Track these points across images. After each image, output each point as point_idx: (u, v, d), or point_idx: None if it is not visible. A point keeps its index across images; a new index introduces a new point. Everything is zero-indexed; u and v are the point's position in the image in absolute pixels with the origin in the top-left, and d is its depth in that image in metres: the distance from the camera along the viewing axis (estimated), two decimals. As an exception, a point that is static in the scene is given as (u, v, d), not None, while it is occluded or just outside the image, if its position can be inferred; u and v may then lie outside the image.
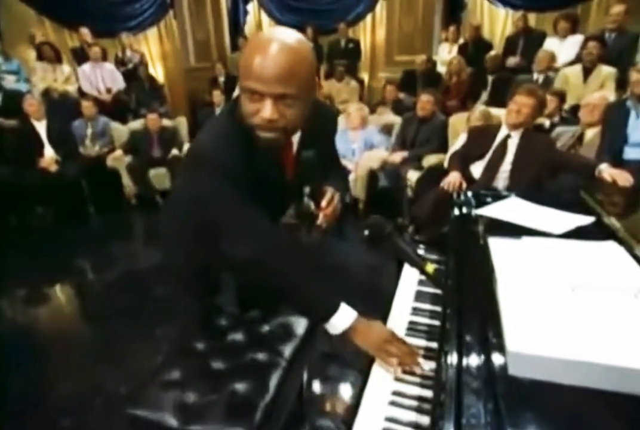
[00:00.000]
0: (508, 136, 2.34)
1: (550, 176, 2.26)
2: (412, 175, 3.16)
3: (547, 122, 2.99)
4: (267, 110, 0.81)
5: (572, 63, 3.85)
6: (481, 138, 2.45)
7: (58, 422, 1.54)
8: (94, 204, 3.92)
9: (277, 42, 0.79)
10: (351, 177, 3.59)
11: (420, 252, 1.29)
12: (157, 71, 6.62)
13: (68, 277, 2.79)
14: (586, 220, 1.15)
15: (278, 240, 1.00)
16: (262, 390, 1.05)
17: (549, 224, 1.12)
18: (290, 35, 0.81)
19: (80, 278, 2.82)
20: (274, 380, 1.09)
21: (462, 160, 2.51)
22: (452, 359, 0.67)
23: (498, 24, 5.39)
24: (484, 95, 4.11)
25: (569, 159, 2.39)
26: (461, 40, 4.90)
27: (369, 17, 5.84)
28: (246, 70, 0.80)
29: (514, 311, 0.71)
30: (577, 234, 1.07)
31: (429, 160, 3.25)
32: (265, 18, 6.48)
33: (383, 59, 5.76)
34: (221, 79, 5.59)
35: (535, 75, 3.83)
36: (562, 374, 0.59)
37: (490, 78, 4.14)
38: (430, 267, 0.82)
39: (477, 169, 2.45)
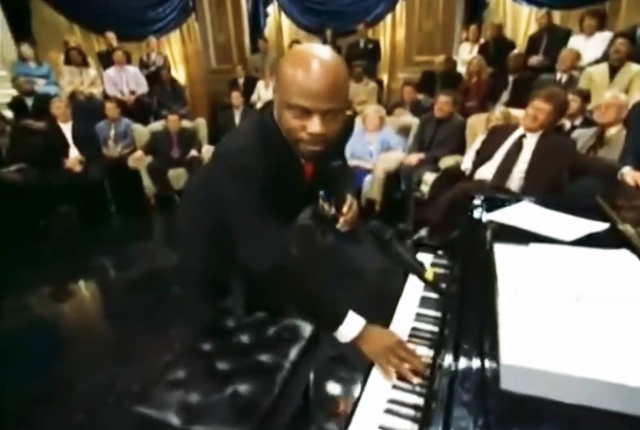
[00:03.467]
0: (523, 136, 2.29)
1: (569, 179, 2.19)
2: (428, 177, 3.12)
3: (567, 123, 2.90)
4: (315, 125, 0.83)
5: (598, 62, 3.73)
6: (495, 137, 2.40)
7: (72, 417, 1.59)
8: (115, 203, 4.03)
9: (319, 59, 0.81)
10: (368, 178, 3.58)
11: (429, 257, 1.27)
12: (179, 73, 6.76)
13: (88, 276, 2.87)
14: (600, 226, 1.11)
15: (291, 254, 1.03)
16: (265, 392, 1.06)
17: (559, 230, 1.08)
18: (327, 52, 0.84)
19: (99, 276, 2.90)
20: (278, 383, 1.09)
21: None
22: (446, 368, 0.65)
23: (521, 23, 5.26)
24: (505, 96, 4.02)
25: (589, 162, 2.31)
26: (482, 40, 4.82)
27: (388, 18, 5.79)
28: (293, 88, 0.81)
29: (513, 322, 0.69)
30: (589, 241, 1.03)
31: (446, 162, 3.20)
32: (285, 20, 6.51)
33: (402, 60, 5.72)
34: (241, 81, 5.65)
35: (558, 75, 3.72)
36: (558, 391, 0.57)
37: (511, 78, 4.04)
38: (429, 274, 0.80)
39: (487, 170, 2.39)
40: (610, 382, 0.56)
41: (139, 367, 1.68)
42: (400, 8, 5.66)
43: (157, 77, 5.26)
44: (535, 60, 4.20)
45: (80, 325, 2.32)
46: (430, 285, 0.81)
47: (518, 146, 2.30)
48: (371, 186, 3.53)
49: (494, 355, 0.64)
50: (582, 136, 2.58)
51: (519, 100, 3.52)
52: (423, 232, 2.83)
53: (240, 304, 1.40)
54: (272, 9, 6.51)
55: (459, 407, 0.58)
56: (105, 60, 5.30)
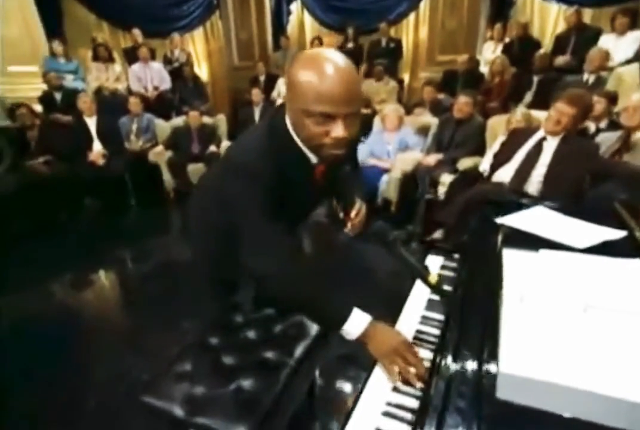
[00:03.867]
0: (543, 139, 2.23)
1: (591, 184, 2.12)
2: (446, 179, 3.08)
3: (592, 126, 2.81)
4: (339, 130, 0.83)
5: (629, 62, 3.60)
6: (515, 140, 2.35)
7: (83, 403, 1.66)
8: (135, 196, 4.13)
9: (332, 63, 0.81)
10: (384, 178, 3.56)
11: (440, 259, 1.26)
12: (202, 70, 6.83)
13: (106, 266, 2.96)
14: (616, 234, 1.08)
15: (293, 255, 1.03)
16: (269, 389, 1.07)
17: (573, 236, 1.06)
18: (339, 56, 0.84)
19: (117, 268, 2.99)
20: (282, 380, 1.11)
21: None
22: (444, 374, 0.65)
23: (548, 21, 5.10)
24: (528, 97, 3.92)
25: (612, 166, 2.24)
26: (507, 39, 4.71)
27: (412, 16, 5.71)
28: (311, 95, 0.81)
29: (515, 329, 0.68)
30: (603, 249, 1.00)
31: (464, 163, 3.15)
32: (307, 18, 6.52)
33: (425, 59, 5.65)
34: (261, 78, 5.69)
35: (585, 76, 3.61)
36: (557, 403, 0.56)
37: (535, 78, 3.94)
38: (432, 277, 0.80)
39: (506, 173, 2.34)
40: (612, 396, 0.55)
41: (150, 358, 1.72)
42: (423, 6, 5.59)
43: (179, 73, 5.33)
44: (561, 60, 4.08)
45: (96, 315, 2.40)
46: (432, 288, 0.80)
47: (538, 149, 2.24)
48: (388, 186, 3.51)
49: (493, 362, 0.63)
50: (607, 140, 2.50)
51: (542, 101, 3.43)
52: (438, 234, 2.80)
53: (249, 300, 1.41)
54: (295, 7, 6.52)
55: (453, 414, 0.57)
56: (131, 56, 5.41)
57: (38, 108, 4.57)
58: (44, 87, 4.71)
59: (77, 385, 1.78)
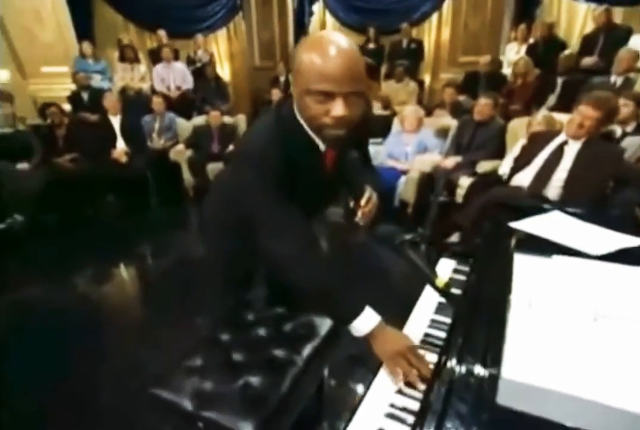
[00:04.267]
0: (565, 142, 2.18)
1: (614, 190, 2.06)
2: (464, 182, 3.05)
3: (618, 130, 2.72)
4: (339, 108, 0.84)
5: (661, 63, 3.47)
6: (535, 143, 2.30)
7: (97, 394, 1.73)
8: (156, 194, 4.22)
9: (333, 43, 0.83)
10: (402, 180, 3.54)
11: (452, 263, 1.25)
12: (224, 70, 6.93)
13: (127, 262, 3.05)
14: (634, 242, 1.05)
15: (311, 240, 1.04)
16: (276, 387, 1.08)
17: (589, 243, 1.03)
18: (341, 37, 0.86)
19: (137, 263, 3.08)
20: (289, 378, 1.12)
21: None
22: (445, 377, 0.65)
23: (576, 21, 4.97)
24: (552, 99, 3.83)
25: (637, 172, 2.17)
26: (531, 40, 4.61)
27: (434, 17, 5.65)
28: (312, 74, 0.83)
29: (521, 335, 0.67)
30: (620, 256, 0.98)
31: (483, 166, 3.10)
32: (329, 18, 6.52)
33: (446, 60, 5.59)
34: (282, 78, 5.73)
35: (612, 78, 3.50)
36: (558, 411, 0.55)
37: (560, 80, 3.84)
38: (440, 281, 0.80)
39: (525, 177, 2.30)
40: (616, 407, 0.54)
41: (164, 352, 1.76)
42: (446, 6, 5.52)
43: (202, 73, 5.43)
44: (588, 61, 3.97)
45: (115, 308, 2.48)
46: (439, 291, 0.80)
47: (559, 153, 2.19)
48: (405, 188, 3.49)
49: (496, 368, 0.63)
50: (633, 144, 2.42)
51: (567, 104, 3.35)
52: (454, 238, 2.77)
53: (261, 298, 1.43)
54: (317, 7, 6.54)
55: (453, 418, 0.57)
56: (155, 57, 5.54)
57: (67, 107, 4.73)
58: (73, 87, 4.88)
59: (92, 376, 1.84)
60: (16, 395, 1.76)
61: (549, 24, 4.46)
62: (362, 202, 1.09)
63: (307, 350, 1.21)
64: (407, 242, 0.83)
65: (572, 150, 2.17)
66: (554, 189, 2.20)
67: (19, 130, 3.82)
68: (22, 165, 3.69)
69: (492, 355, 0.66)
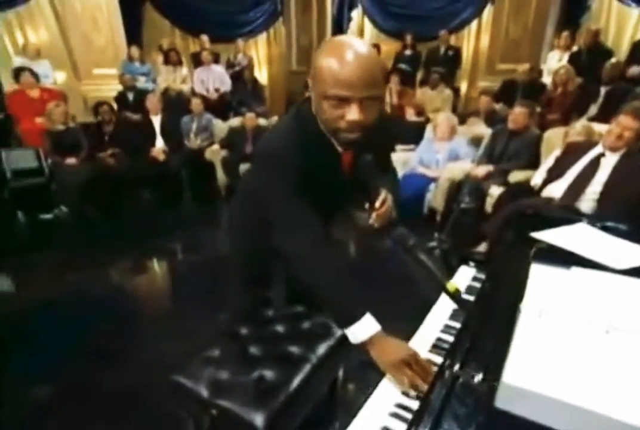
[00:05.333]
0: (602, 154, 2.10)
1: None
2: (495, 191, 2.99)
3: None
4: (354, 113, 0.86)
5: None
6: (570, 154, 2.23)
7: (125, 379, 1.84)
8: (190, 192, 4.38)
9: (351, 48, 0.84)
10: (431, 187, 3.52)
11: (472, 271, 1.25)
12: (262, 73, 7.10)
13: (158, 256, 3.20)
14: (661, 258, 1.02)
15: (322, 239, 1.05)
16: (288, 381, 1.12)
17: (612, 256, 1.01)
18: (360, 42, 0.88)
19: (167, 257, 3.22)
20: (301, 374, 1.15)
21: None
22: (447, 379, 0.66)
23: (627, 28, 4.76)
24: (593, 109, 3.69)
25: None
26: (575, 47, 4.45)
27: (474, 23, 5.58)
28: (329, 79, 0.85)
29: (527, 342, 0.68)
30: (644, 272, 0.95)
31: (515, 176, 3.03)
32: (367, 24, 6.56)
33: (484, 67, 5.49)
34: (317, 83, 5.80)
35: (661, 88, 3.35)
36: (555, 418, 0.56)
37: (603, 90, 3.70)
38: (451, 286, 0.81)
39: (558, 188, 2.23)
40: (617, 419, 0.54)
41: (186, 342, 1.84)
42: (487, 13, 5.43)
43: (240, 76, 5.59)
44: (636, 70, 3.80)
45: (144, 297, 2.61)
46: (450, 296, 0.81)
47: (594, 165, 2.12)
48: (434, 195, 3.47)
49: (498, 373, 0.64)
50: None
51: (609, 114, 3.21)
52: (482, 247, 2.73)
53: (281, 297, 1.47)
54: (356, 13, 6.59)
55: (450, 420, 0.59)
56: (197, 60, 5.76)
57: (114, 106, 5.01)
58: (120, 87, 5.16)
59: (120, 361, 1.95)
60: (48, 376, 1.89)
61: (594, 31, 4.30)
62: (377, 204, 1.09)
63: (322, 349, 1.24)
64: (420, 246, 0.82)
65: (609, 162, 2.09)
66: (587, 202, 2.13)
67: (70, 128, 4.09)
68: (71, 160, 3.94)
69: (496, 360, 0.67)
